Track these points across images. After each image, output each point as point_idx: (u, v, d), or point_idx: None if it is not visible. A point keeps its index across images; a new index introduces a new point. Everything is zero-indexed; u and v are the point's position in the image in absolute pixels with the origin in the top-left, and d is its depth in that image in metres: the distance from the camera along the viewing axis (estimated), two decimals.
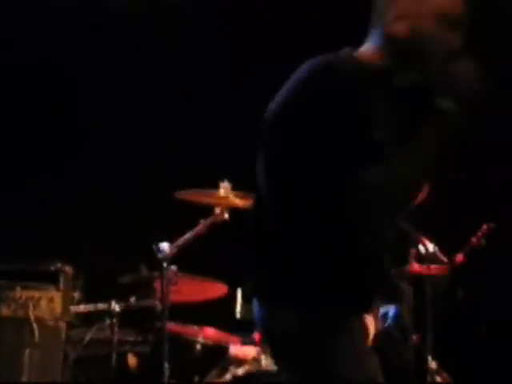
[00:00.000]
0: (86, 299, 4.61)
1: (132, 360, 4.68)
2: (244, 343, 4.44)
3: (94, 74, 5.18)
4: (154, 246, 3.94)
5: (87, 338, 4.71)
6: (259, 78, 4.84)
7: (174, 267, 4.03)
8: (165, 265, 3.92)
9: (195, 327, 4.39)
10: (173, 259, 3.95)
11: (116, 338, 4.24)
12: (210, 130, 5.06)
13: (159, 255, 3.92)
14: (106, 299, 4.47)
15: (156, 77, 5.05)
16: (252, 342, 4.47)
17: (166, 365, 3.83)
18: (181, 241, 3.98)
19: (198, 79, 5.04)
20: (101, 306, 4.29)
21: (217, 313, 4.60)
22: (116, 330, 4.20)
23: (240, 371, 4.01)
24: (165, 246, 3.94)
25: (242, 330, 4.60)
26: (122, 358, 4.69)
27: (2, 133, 5.10)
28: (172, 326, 4.32)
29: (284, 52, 4.74)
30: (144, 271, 4.37)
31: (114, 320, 4.23)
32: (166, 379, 3.90)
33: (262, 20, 4.97)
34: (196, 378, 4.15)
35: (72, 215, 5.15)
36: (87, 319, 4.88)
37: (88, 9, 5.03)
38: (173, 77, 5.07)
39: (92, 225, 5.11)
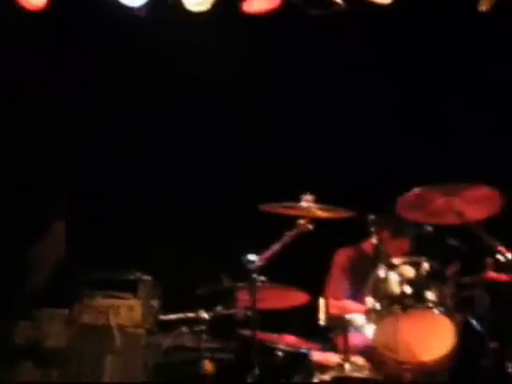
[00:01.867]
0: (168, 308, 4.81)
1: (208, 366, 4.85)
2: (324, 350, 4.61)
3: None
4: (242, 258, 4.11)
5: (165, 344, 4.93)
6: (344, 93, 5.04)
7: (262, 278, 4.21)
8: (254, 275, 4.12)
9: (275, 334, 4.57)
10: (261, 270, 4.14)
11: (204, 345, 4.39)
12: (293, 145, 5.25)
13: (248, 266, 4.11)
14: (188, 308, 4.65)
15: (242, 94, 5.20)
16: (331, 349, 4.64)
17: (257, 371, 4.00)
18: (268, 252, 4.17)
19: (284, 96, 5.21)
20: (189, 314, 4.47)
21: (294, 321, 4.77)
22: (204, 337, 4.37)
23: (326, 377, 4.19)
24: (253, 257, 4.12)
25: (319, 337, 4.76)
26: (199, 364, 4.90)
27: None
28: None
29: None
30: (226, 281, 4.54)
31: (203, 327, 4.41)
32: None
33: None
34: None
35: (154, 226, 5.34)
36: (164, 327, 5.09)
37: None
38: (259, 93, 5.21)
39: (173, 236, 5.29)
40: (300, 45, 5.16)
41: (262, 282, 4.06)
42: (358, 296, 4.65)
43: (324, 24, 4.96)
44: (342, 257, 4.92)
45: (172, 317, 4.54)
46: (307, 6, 5.05)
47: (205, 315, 4.35)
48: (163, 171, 5.26)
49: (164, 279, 4.94)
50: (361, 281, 4.75)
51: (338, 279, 4.77)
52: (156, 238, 5.20)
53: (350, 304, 4.59)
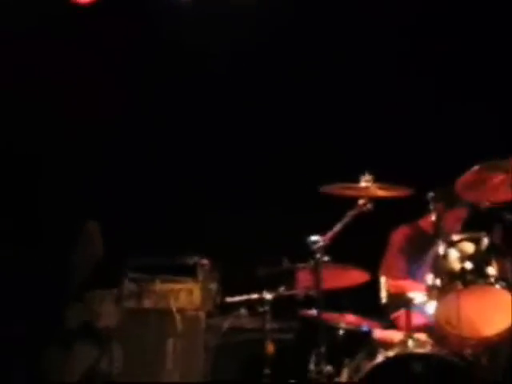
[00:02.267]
0: (228, 290, 4.89)
1: (270, 347, 4.92)
2: (383, 328, 4.67)
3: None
4: (306, 238, 4.18)
5: (225, 326, 5.01)
6: (399, 69, 5.04)
7: (327, 258, 4.28)
8: (318, 256, 4.18)
9: (335, 314, 4.64)
10: (325, 250, 4.21)
11: (268, 326, 4.45)
12: (350, 126, 5.27)
13: (313, 247, 4.18)
14: (249, 290, 4.73)
15: (304, 75, 5.25)
16: (391, 326, 4.69)
17: (323, 349, 4.07)
18: (331, 232, 4.23)
19: (338, 75, 5.23)
20: (253, 295, 4.55)
21: (352, 299, 4.82)
22: (268, 317, 4.45)
23: (391, 353, 4.23)
24: (317, 238, 4.19)
25: (377, 315, 4.82)
26: (260, 345, 4.97)
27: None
28: (314, 313, 4.57)
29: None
30: (286, 263, 4.60)
31: (267, 308, 4.47)
32: (320, 362, 4.13)
33: None
34: (346, 361, 4.41)
35: (212, 210, 5.41)
36: (223, 309, 5.17)
37: None
38: (312, 74, 5.27)
39: (233, 219, 5.37)
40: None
41: (325, 261, 4.15)
42: (416, 274, 4.69)
43: None
44: (399, 235, 4.94)
45: (236, 298, 4.63)
46: None
47: (268, 296, 4.45)
48: (223, 153, 5.34)
49: (224, 262, 5.08)
50: (419, 259, 4.79)
51: (394, 258, 4.80)
52: (216, 222, 5.29)
53: (407, 284, 4.65)
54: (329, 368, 4.13)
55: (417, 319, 4.40)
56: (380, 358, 4.16)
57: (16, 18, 4.95)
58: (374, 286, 4.60)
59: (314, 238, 4.13)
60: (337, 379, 4.22)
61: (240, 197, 5.24)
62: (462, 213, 4.73)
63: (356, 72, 5.17)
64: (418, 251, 4.82)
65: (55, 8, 4.93)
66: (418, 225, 4.94)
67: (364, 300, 4.84)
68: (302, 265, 4.41)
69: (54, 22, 4.98)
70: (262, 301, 4.44)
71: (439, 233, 4.30)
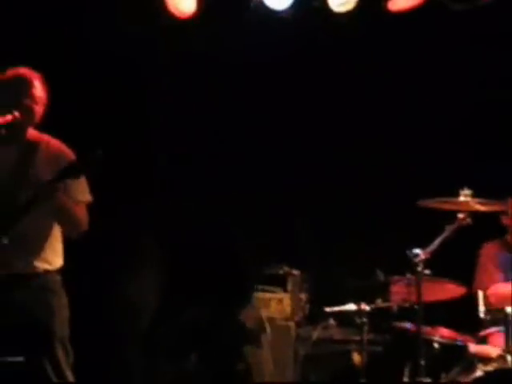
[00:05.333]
0: (322, 301, 4.94)
1: (357, 358, 4.95)
2: (476, 343, 4.67)
3: None
4: (408, 252, 4.22)
5: (314, 336, 5.06)
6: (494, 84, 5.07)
7: (428, 271, 4.32)
8: (419, 269, 4.23)
9: (428, 327, 4.66)
10: (426, 263, 4.25)
11: (366, 337, 4.51)
12: (449, 140, 5.28)
13: (414, 259, 4.23)
14: (340, 301, 4.78)
15: (395, 91, 5.30)
16: (481, 341, 4.70)
17: (422, 362, 4.11)
18: (432, 246, 4.27)
19: (435, 92, 5.24)
20: (351, 306, 4.62)
21: (444, 313, 4.85)
22: (366, 329, 4.50)
23: (490, 368, 4.24)
24: (418, 251, 4.24)
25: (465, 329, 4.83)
26: (350, 356, 5.01)
27: None
28: (408, 326, 4.61)
29: None
30: (380, 276, 4.65)
31: (365, 320, 4.54)
32: (416, 375, 4.17)
33: None
34: (442, 375, 4.45)
35: (305, 220, 5.45)
36: (312, 319, 5.22)
37: None
38: (409, 90, 5.29)
39: (325, 231, 5.44)
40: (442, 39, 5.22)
41: (427, 275, 4.19)
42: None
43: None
44: (488, 250, 4.95)
45: (336, 309, 4.68)
46: (450, 1, 5.13)
47: (367, 308, 4.49)
48: (319, 162, 5.37)
49: (315, 273, 5.13)
50: (507, 275, 4.81)
51: (485, 270, 4.76)
52: (308, 232, 5.35)
53: (501, 286, 4.63)
54: (428, 380, 4.17)
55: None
56: (479, 373, 4.20)
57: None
58: (467, 300, 4.65)
59: (415, 250, 4.19)
60: None
61: (336, 208, 5.29)
62: None
63: (451, 85, 5.20)
64: (506, 267, 4.83)
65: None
66: (506, 240, 4.94)
67: (454, 314, 4.88)
68: (396, 278, 4.49)
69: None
70: (359, 312, 4.54)
71: None
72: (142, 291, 5.20)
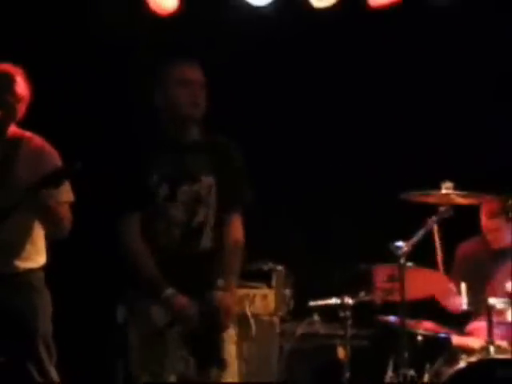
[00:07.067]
0: (303, 295, 4.96)
1: (341, 352, 4.97)
2: (460, 335, 4.70)
3: None
4: (390, 244, 4.24)
5: (299, 331, 5.08)
6: (476, 78, 5.13)
7: (410, 263, 4.34)
8: (402, 261, 4.23)
9: (411, 320, 4.67)
10: (408, 256, 4.27)
11: (350, 331, 4.53)
12: (429, 133, 5.32)
13: (397, 252, 4.24)
14: (324, 296, 4.80)
15: (375, 82, 5.31)
16: (464, 333, 4.73)
17: (406, 354, 4.13)
18: (413, 239, 4.29)
19: (416, 84, 5.27)
20: (334, 300, 4.63)
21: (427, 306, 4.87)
22: (349, 323, 4.51)
23: (473, 359, 4.24)
24: (401, 244, 4.25)
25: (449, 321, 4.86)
26: (333, 350, 5.03)
27: None
28: (392, 320, 4.63)
29: None
30: (363, 268, 4.66)
31: (348, 313, 4.55)
32: (400, 367, 4.19)
33: None
34: (426, 366, 4.44)
35: (285, 216, 5.48)
36: (296, 315, 5.24)
37: None
38: (393, 83, 5.30)
39: (308, 227, 5.45)
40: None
41: (410, 267, 4.21)
42: (479, 290, 4.65)
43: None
44: (462, 251, 4.95)
45: (320, 302, 4.70)
46: None
47: (350, 301, 4.51)
48: (301, 158, 5.38)
49: (298, 268, 5.15)
50: (481, 275, 4.78)
51: (455, 278, 4.73)
52: (291, 228, 5.36)
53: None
54: (411, 372, 4.20)
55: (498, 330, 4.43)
56: (462, 364, 4.22)
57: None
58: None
59: (398, 243, 4.21)
60: None
61: (318, 202, 5.31)
62: None
63: (429, 77, 5.22)
64: (481, 266, 4.85)
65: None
66: (482, 239, 4.94)
67: (438, 308, 4.91)
68: (379, 267, 4.51)
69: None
70: (343, 306, 4.56)
71: None
72: None
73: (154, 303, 3.60)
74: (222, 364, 3.62)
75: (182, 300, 3.56)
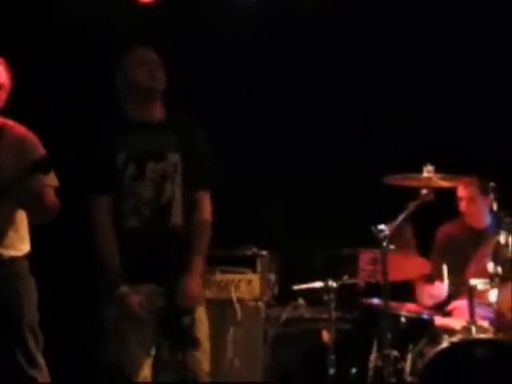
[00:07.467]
0: (288, 279, 4.99)
1: (326, 336, 5.01)
2: (442, 316, 4.76)
3: None
4: (372, 228, 4.28)
5: (284, 316, 5.12)
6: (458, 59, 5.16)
7: (392, 246, 4.38)
8: (384, 244, 4.28)
9: (394, 302, 4.72)
10: (390, 239, 4.31)
11: (334, 314, 4.57)
12: (412, 117, 5.36)
13: (379, 235, 4.28)
14: (309, 281, 4.84)
15: (365, 70, 5.34)
16: (446, 315, 4.80)
17: (389, 336, 4.18)
18: (395, 222, 4.33)
19: (401, 68, 5.31)
20: (318, 283, 4.67)
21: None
22: (333, 306, 4.55)
23: (455, 339, 4.32)
24: (383, 227, 4.29)
25: None
26: (317, 334, 5.07)
27: None
28: (375, 302, 4.68)
29: None
30: (346, 251, 4.71)
31: (332, 296, 4.59)
32: (383, 348, 4.25)
33: None
34: (409, 347, 4.50)
35: (269, 201, 5.52)
36: (281, 300, 5.28)
37: None
38: (374, 67, 5.35)
39: (291, 211, 5.48)
40: None
41: (392, 250, 4.26)
42: (459, 271, 4.74)
43: None
44: (442, 234, 5.03)
45: (303, 286, 4.74)
46: None
47: (333, 284, 4.55)
48: (285, 140, 5.41)
49: (283, 252, 5.18)
50: (461, 257, 4.85)
51: (435, 261, 4.83)
52: (275, 213, 5.39)
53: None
54: (395, 352, 4.25)
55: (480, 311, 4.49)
56: (444, 344, 4.29)
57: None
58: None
59: (380, 226, 4.25)
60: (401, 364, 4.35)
61: (301, 187, 5.34)
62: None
63: (419, 61, 5.25)
64: (461, 248, 4.90)
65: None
66: (463, 219, 5.02)
67: None
68: (363, 250, 4.55)
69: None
70: (327, 289, 4.60)
71: (501, 222, 4.39)
72: None
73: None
74: (194, 344, 3.67)
75: (134, 300, 3.61)
